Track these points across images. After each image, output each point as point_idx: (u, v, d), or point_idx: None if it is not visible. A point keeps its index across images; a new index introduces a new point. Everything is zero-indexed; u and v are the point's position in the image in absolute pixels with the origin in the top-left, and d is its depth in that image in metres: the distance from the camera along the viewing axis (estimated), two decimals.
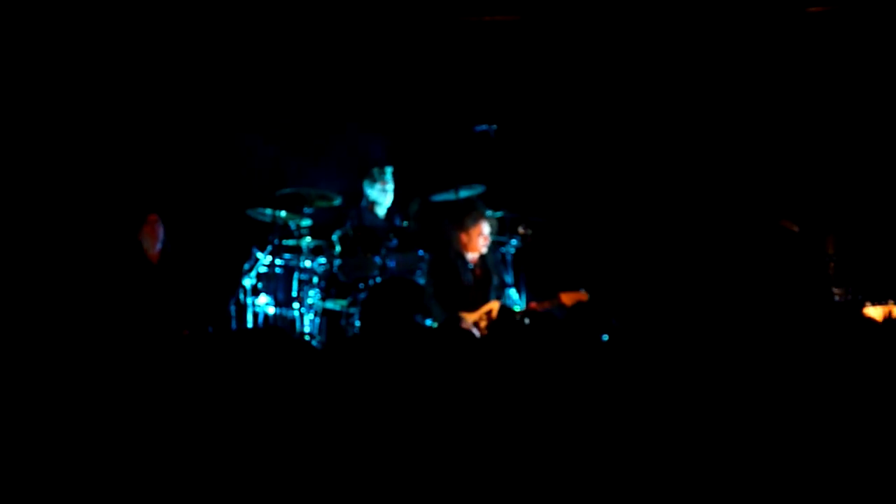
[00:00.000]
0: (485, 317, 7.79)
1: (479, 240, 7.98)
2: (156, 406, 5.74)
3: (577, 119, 9.72)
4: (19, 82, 8.69)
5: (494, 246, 8.49)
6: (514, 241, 8.56)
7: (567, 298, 7.91)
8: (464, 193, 8.53)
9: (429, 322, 7.88)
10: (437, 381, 6.20)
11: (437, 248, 8.17)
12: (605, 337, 8.19)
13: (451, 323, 7.71)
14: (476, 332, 7.63)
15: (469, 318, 7.79)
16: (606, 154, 9.69)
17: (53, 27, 8.76)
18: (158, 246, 8.17)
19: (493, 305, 7.84)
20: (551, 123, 9.73)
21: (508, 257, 8.55)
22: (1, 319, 7.53)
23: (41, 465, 4.92)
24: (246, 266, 8.33)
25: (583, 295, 7.93)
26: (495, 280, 8.05)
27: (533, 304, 8.10)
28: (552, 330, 7.94)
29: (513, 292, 8.37)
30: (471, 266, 8.01)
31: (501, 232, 8.57)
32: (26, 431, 5.25)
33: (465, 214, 7.99)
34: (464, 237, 7.95)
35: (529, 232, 8.54)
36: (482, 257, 8.06)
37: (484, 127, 8.72)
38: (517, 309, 8.09)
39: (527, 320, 7.98)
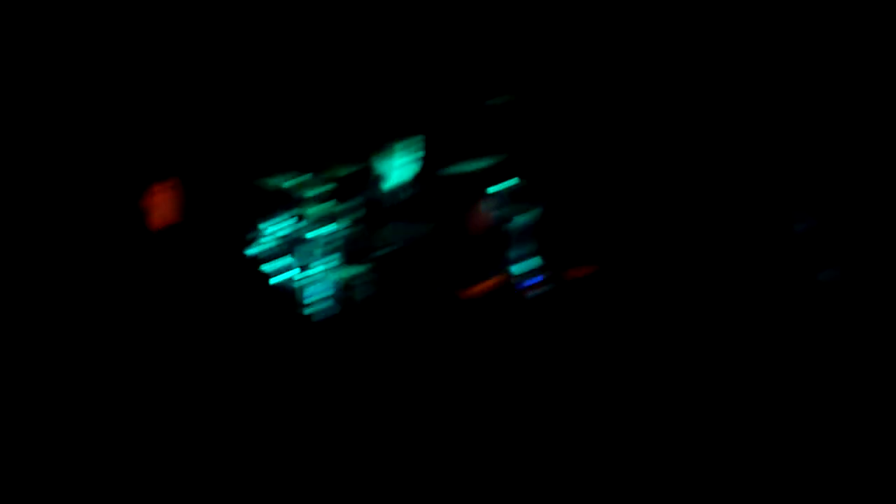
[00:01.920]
0: (486, 291, 7.83)
1: (484, 213, 8.02)
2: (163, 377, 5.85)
3: (596, 88, 9.68)
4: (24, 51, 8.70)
5: (507, 219, 8.53)
6: (526, 214, 8.57)
7: (575, 271, 7.95)
8: (477, 165, 8.56)
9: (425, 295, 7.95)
10: (441, 353, 6.30)
11: (439, 221, 8.22)
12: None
13: (450, 298, 7.78)
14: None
15: (469, 293, 7.83)
16: (624, 126, 9.65)
17: None
18: (170, 214, 8.24)
19: (496, 280, 7.86)
20: (569, 93, 9.69)
21: (520, 230, 8.57)
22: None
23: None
24: (258, 233, 8.41)
25: (591, 268, 7.96)
26: (500, 254, 8.09)
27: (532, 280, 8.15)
28: (559, 305, 8.01)
29: (524, 265, 8.40)
30: (472, 240, 8.05)
31: (514, 204, 8.60)
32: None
33: (471, 187, 8.05)
34: (467, 211, 8.00)
35: (537, 211, 8.58)
36: (486, 231, 8.09)
37: (499, 98, 8.72)
38: (525, 281, 8.14)
39: (533, 292, 8.02)
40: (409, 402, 5.68)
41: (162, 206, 7.91)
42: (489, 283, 7.89)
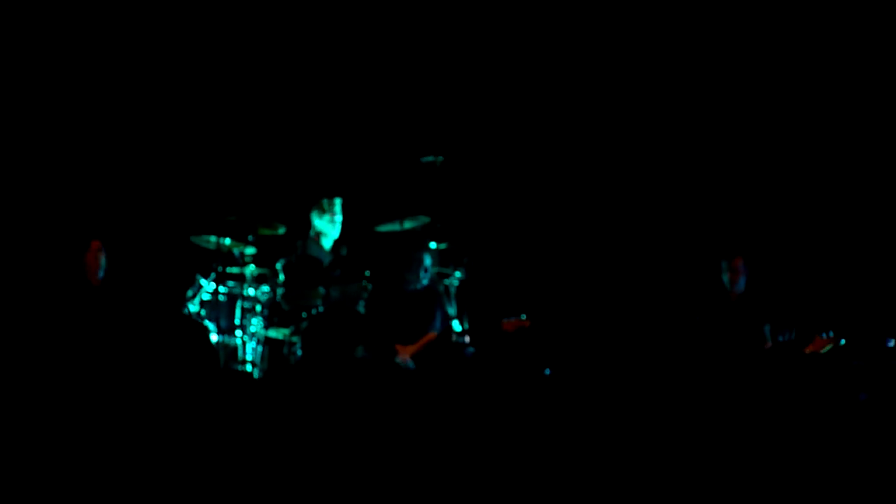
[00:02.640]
0: (423, 349, 7.84)
1: (420, 271, 8.03)
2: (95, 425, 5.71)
3: (524, 150, 9.77)
4: None
5: (438, 278, 8.52)
6: (457, 274, 8.59)
7: (508, 326, 8.00)
8: (408, 224, 8.57)
9: (361, 353, 7.91)
10: (371, 412, 6.22)
11: (377, 279, 8.20)
12: (548, 371, 8.25)
13: (387, 356, 7.75)
14: (411, 365, 7.72)
15: (406, 350, 7.82)
16: (552, 184, 9.74)
17: None
18: (101, 273, 8.11)
19: (432, 337, 7.88)
20: (498, 154, 9.77)
21: (452, 289, 8.58)
22: None
23: None
24: (189, 293, 8.30)
25: (524, 322, 8.01)
26: (437, 312, 8.09)
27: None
28: (491, 362, 8.01)
29: (455, 324, 8.40)
30: (410, 298, 8.05)
31: (446, 264, 8.61)
32: None
33: (406, 246, 8.07)
34: (404, 268, 8.00)
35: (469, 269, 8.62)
36: (423, 289, 8.10)
37: (430, 158, 8.75)
38: (456, 337, 8.17)
39: (466, 339, 8.07)
40: (347, 463, 5.58)
41: (93, 264, 7.84)
42: (424, 340, 7.88)
